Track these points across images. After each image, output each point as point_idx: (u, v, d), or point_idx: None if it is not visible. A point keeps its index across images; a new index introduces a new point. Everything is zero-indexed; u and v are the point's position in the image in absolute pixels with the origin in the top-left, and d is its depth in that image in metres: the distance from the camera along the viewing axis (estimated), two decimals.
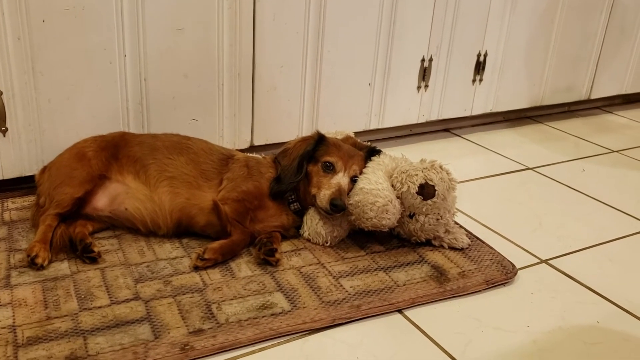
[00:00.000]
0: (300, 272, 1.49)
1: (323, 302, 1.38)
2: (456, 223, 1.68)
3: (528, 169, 2.29)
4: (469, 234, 1.70)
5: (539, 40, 2.62)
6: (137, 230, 1.59)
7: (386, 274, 1.50)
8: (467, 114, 2.57)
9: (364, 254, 1.59)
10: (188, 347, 1.20)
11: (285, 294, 1.39)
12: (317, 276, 1.47)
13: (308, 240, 1.63)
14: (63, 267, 1.44)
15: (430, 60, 2.35)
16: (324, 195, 1.55)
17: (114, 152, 1.61)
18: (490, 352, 1.28)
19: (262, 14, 1.94)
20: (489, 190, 2.10)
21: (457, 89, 2.48)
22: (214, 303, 1.34)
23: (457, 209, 1.67)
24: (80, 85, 1.74)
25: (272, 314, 1.32)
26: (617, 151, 2.55)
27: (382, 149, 1.70)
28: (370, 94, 2.27)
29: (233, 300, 1.36)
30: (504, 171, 2.26)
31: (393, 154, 1.68)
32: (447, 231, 1.62)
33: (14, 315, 1.26)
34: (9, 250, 1.49)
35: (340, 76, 2.17)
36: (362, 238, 1.66)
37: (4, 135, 1.70)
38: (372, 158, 1.64)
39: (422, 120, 2.45)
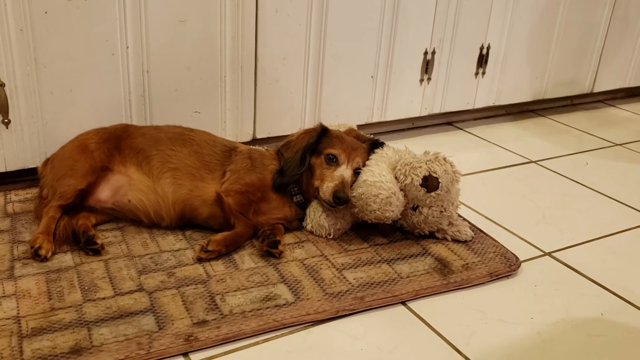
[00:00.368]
0: (304, 264, 1.49)
1: (326, 293, 1.38)
2: (459, 216, 1.68)
3: (531, 162, 2.29)
4: (473, 226, 1.70)
5: (541, 33, 2.61)
6: (140, 222, 1.58)
7: (389, 266, 1.50)
8: (470, 107, 2.56)
9: (367, 246, 1.59)
10: (192, 338, 1.21)
11: (288, 286, 1.39)
12: (321, 268, 1.47)
13: (311, 232, 1.62)
14: (66, 258, 1.44)
15: (433, 53, 2.34)
16: (327, 188, 1.55)
17: (116, 143, 1.61)
18: (494, 344, 1.28)
19: (265, 6, 1.93)
20: (492, 183, 2.09)
21: (460, 82, 2.47)
22: (217, 294, 1.34)
23: (460, 202, 1.67)
24: (82, 77, 1.74)
25: (276, 306, 1.32)
26: (620, 144, 2.55)
27: (385, 142, 1.70)
28: (372, 86, 2.26)
29: (237, 291, 1.36)
30: (507, 164, 2.26)
31: (396, 147, 1.68)
32: (450, 224, 1.62)
33: (18, 307, 1.26)
34: (12, 242, 1.49)
35: (343, 69, 2.17)
36: (365, 230, 1.65)
37: (7, 127, 1.70)
38: (375, 150, 1.64)
39: (424, 113, 2.44)
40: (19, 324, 1.21)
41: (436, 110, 2.47)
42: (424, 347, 1.26)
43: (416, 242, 1.62)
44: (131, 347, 1.17)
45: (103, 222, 1.59)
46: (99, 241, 1.46)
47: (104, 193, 1.57)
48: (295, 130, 1.78)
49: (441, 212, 1.58)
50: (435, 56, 2.35)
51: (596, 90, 2.96)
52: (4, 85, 1.65)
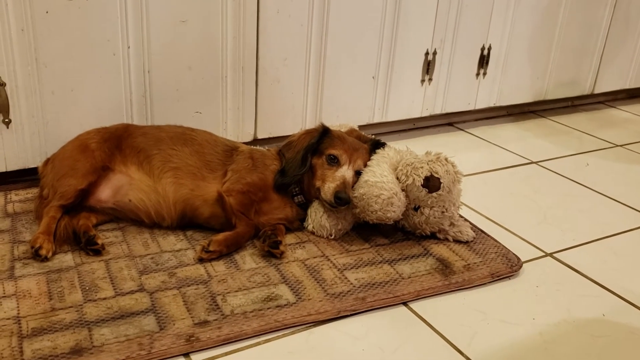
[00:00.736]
0: (305, 265, 1.48)
1: (328, 294, 1.37)
2: (461, 216, 1.68)
3: (532, 162, 2.29)
4: (474, 227, 1.70)
5: (543, 34, 2.61)
6: (141, 221, 1.58)
7: (391, 266, 1.50)
8: (471, 108, 2.56)
9: (368, 246, 1.59)
10: (193, 338, 1.20)
11: (290, 286, 1.39)
12: (322, 268, 1.47)
13: (312, 232, 1.62)
14: (67, 258, 1.43)
15: (434, 53, 2.34)
16: (328, 188, 1.55)
17: (117, 143, 1.60)
18: (495, 345, 1.28)
19: (266, 6, 1.93)
20: (493, 183, 2.09)
21: (461, 83, 2.47)
22: (218, 295, 1.34)
23: (462, 202, 1.67)
24: (83, 76, 1.74)
25: (277, 306, 1.32)
26: (620, 145, 2.54)
27: (386, 142, 1.70)
28: (374, 87, 2.26)
29: (238, 292, 1.36)
30: (508, 165, 2.26)
31: (397, 147, 1.67)
32: (452, 224, 1.62)
33: (18, 307, 1.25)
34: (12, 242, 1.49)
35: (344, 69, 2.16)
36: (367, 231, 1.65)
37: (8, 127, 1.69)
38: (377, 151, 1.64)
39: (425, 114, 2.44)
40: (20, 324, 1.21)
41: (437, 111, 2.47)
42: (425, 348, 1.26)
43: (417, 243, 1.62)
44: (132, 347, 1.16)
45: (104, 222, 1.59)
46: (99, 241, 1.46)
47: (105, 193, 1.56)
48: (296, 131, 1.78)
49: (443, 212, 1.58)
50: (437, 57, 2.35)
51: (597, 91, 2.96)
52: (5, 84, 1.64)
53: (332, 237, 1.60)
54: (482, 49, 2.46)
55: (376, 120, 2.32)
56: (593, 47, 2.81)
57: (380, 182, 1.51)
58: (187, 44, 1.85)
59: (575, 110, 3.00)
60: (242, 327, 1.24)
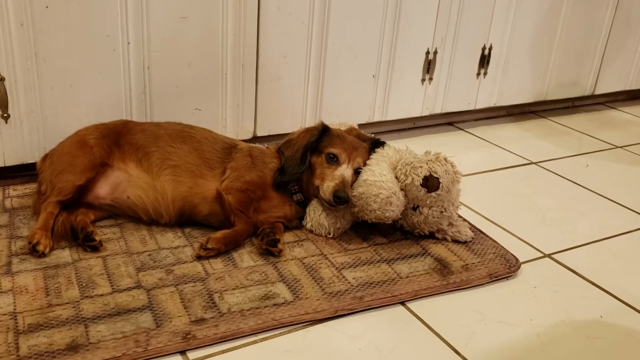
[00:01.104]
0: (303, 263, 1.48)
1: (325, 293, 1.37)
2: (460, 216, 1.68)
3: (532, 163, 2.29)
4: (473, 227, 1.70)
5: (544, 34, 2.61)
6: (139, 218, 1.58)
7: (389, 266, 1.50)
8: (471, 107, 2.55)
9: (366, 245, 1.59)
10: (190, 336, 1.20)
11: (287, 285, 1.39)
12: (320, 267, 1.47)
13: (311, 231, 1.62)
14: (64, 254, 1.43)
15: (435, 53, 2.33)
16: (327, 187, 1.54)
17: (116, 139, 1.60)
18: (493, 345, 1.27)
19: (267, 3, 1.92)
20: (492, 184, 2.09)
21: (462, 83, 2.47)
22: (216, 292, 1.34)
23: (460, 202, 1.66)
24: (83, 72, 1.73)
25: (275, 304, 1.31)
26: (620, 147, 2.54)
27: (386, 141, 1.69)
28: (374, 86, 2.26)
29: (235, 290, 1.35)
30: (508, 165, 2.25)
31: (397, 146, 1.67)
32: (450, 224, 1.62)
33: (15, 302, 1.25)
34: (10, 237, 1.49)
35: (345, 68, 2.16)
36: (365, 230, 1.65)
37: (6, 122, 1.69)
38: (376, 150, 1.63)
39: (425, 113, 2.44)
40: (16, 320, 1.20)
41: (437, 110, 2.46)
42: (423, 348, 1.25)
43: (416, 242, 1.61)
44: (128, 344, 1.16)
45: (102, 218, 1.59)
46: (97, 237, 1.45)
47: (103, 189, 1.56)
48: (296, 129, 1.78)
49: (441, 212, 1.58)
50: (437, 56, 2.35)
51: (597, 92, 2.95)
52: (4, 79, 1.64)
53: (331, 235, 1.60)
54: (483, 49, 2.46)
55: (376, 119, 2.32)
56: (594, 48, 2.81)
57: (379, 181, 1.51)
58: (187, 40, 1.84)
59: (576, 111, 3.00)
60: (239, 325, 1.24)
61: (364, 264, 1.50)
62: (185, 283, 1.36)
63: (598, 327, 1.36)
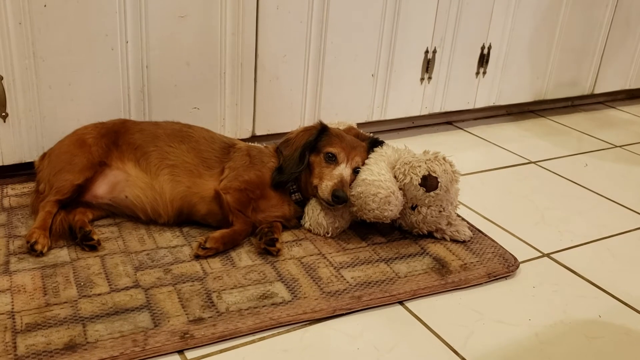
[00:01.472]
0: (301, 263, 1.48)
1: (324, 292, 1.37)
2: (458, 215, 1.68)
3: (530, 162, 2.28)
4: (471, 226, 1.70)
5: (543, 34, 2.60)
6: (138, 218, 1.58)
7: (387, 265, 1.50)
8: (470, 107, 2.55)
9: (365, 245, 1.58)
10: (188, 335, 1.20)
11: (285, 284, 1.39)
12: (318, 267, 1.47)
13: (309, 230, 1.62)
14: (62, 254, 1.43)
15: (434, 52, 2.33)
16: (325, 187, 1.54)
17: (114, 139, 1.60)
18: (491, 345, 1.27)
19: (266, 2, 1.92)
20: (491, 183, 2.09)
21: (461, 82, 2.46)
22: (214, 292, 1.33)
23: (459, 202, 1.66)
24: (81, 71, 1.73)
25: (273, 304, 1.31)
26: (619, 146, 2.54)
27: (384, 140, 1.69)
28: (373, 85, 2.25)
29: (233, 289, 1.35)
30: (507, 164, 2.25)
31: (396, 146, 1.67)
32: (449, 223, 1.62)
33: (12, 302, 1.25)
34: (8, 236, 1.49)
35: (343, 67, 2.16)
36: (364, 229, 1.65)
37: (4, 121, 1.69)
38: (375, 149, 1.63)
39: (424, 112, 2.44)
40: (14, 319, 1.20)
41: (436, 110, 2.46)
42: (421, 347, 1.25)
43: (414, 242, 1.61)
44: (126, 343, 1.16)
45: (100, 217, 1.59)
46: (95, 237, 1.45)
47: (101, 189, 1.56)
48: (294, 128, 1.77)
49: (440, 211, 1.57)
50: (436, 55, 2.34)
51: (597, 91, 2.95)
52: (2, 78, 1.64)
53: (329, 235, 1.60)
54: (482, 48, 2.45)
55: (375, 118, 2.32)
56: (593, 47, 2.81)
57: (378, 180, 1.51)
58: (186, 39, 1.84)
59: (575, 111, 3.00)
60: (237, 325, 1.24)
61: (362, 264, 1.50)
62: (184, 282, 1.36)
63: (596, 327, 1.36)
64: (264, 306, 1.30)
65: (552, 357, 1.26)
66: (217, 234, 1.48)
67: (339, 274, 1.45)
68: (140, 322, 1.22)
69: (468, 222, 1.71)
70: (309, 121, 2.14)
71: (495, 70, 2.53)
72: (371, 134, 1.75)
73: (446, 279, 1.46)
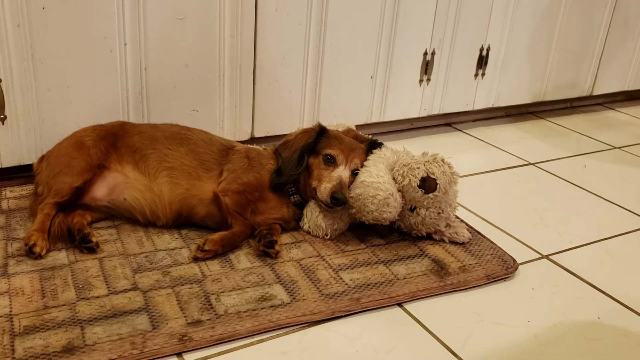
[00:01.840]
0: (300, 265, 1.48)
1: (323, 294, 1.37)
2: (457, 217, 1.67)
3: (529, 164, 2.28)
4: (470, 228, 1.70)
5: (542, 35, 2.61)
6: (136, 220, 1.57)
7: (386, 267, 1.50)
8: (469, 108, 2.55)
9: (364, 247, 1.58)
10: (186, 338, 1.20)
11: (284, 286, 1.38)
12: (317, 269, 1.47)
13: (308, 232, 1.62)
14: (61, 256, 1.43)
15: (433, 53, 2.33)
16: (324, 189, 1.54)
17: (113, 141, 1.60)
18: (490, 347, 1.27)
19: (264, 4, 1.92)
20: (490, 185, 2.09)
21: (459, 83, 2.46)
22: (212, 294, 1.33)
23: (458, 203, 1.66)
24: (80, 73, 1.73)
25: (271, 306, 1.31)
26: (618, 148, 2.54)
27: (383, 142, 1.69)
28: (372, 87, 2.25)
29: (232, 291, 1.35)
30: (506, 166, 2.25)
31: (394, 147, 1.67)
32: (448, 225, 1.62)
33: (11, 304, 1.25)
34: (6, 238, 1.48)
35: (342, 69, 2.16)
36: (363, 231, 1.65)
37: (3, 124, 1.69)
38: (374, 151, 1.63)
39: (423, 114, 2.44)
40: (12, 322, 1.20)
41: (435, 111, 2.46)
42: (420, 349, 1.25)
43: (413, 244, 1.61)
44: (124, 346, 1.16)
45: (98, 220, 1.58)
46: (94, 239, 1.45)
47: (100, 191, 1.56)
48: (293, 130, 1.77)
49: (439, 213, 1.57)
50: (435, 57, 2.35)
51: (595, 93, 2.95)
52: (1, 80, 1.64)
53: (328, 237, 1.60)
54: (481, 50, 2.46)
55: (374, 120, 2.32)
56: (592, 49, 2.81)
57: (377, 182, 1.51)
58: (185, 41, 1.84)
59: (574, 112, 3.00)
60: (235, 327, 1.24)
61: (361, 266, 1.49)
62: (182, 285, 1.36)
63: (595, 329, 1.36)
64: (262, 308, 1.30)
65: (551, 358, 1.26)
66: (216, 236, 1.48)
67: (338, 276, 1.44)
68: (138, 325, 1.22)
69: (467, 224, 1.71)
70: (307, 123, 2.14)
71: (494, 72, 2.54)
72: (370, 136, 1.75)
73: (445, 280, 1.46)
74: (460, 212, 1.77)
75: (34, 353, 1.12)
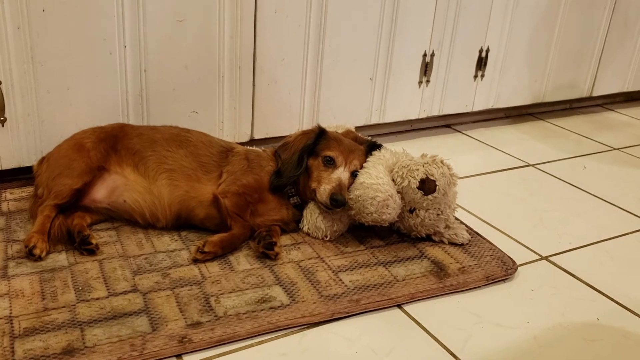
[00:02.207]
0: (300, 266, 1.48)
1: (322, 296, 1.37)
2: (456, 218, 1.68)
3: (529, 165, 2.29)
4: (470, 229, 1.70)
5: (541, 36, 2.61)
6: (136, 222, 1.58)
7: (386, 268, 1.50)
8: (468, 109, 2.56)
9: (363, 248, 1.59)
10: (186, 339, 1.20)
11: (284, 288, 1.39)
12: (317, 270, 1.47)
13: (308, 234, 1.62)
14: (61, 258, 1.43)
15: (432, 55, 2.34)
16: (324, 190, 1.54)
17: (113, 143, 1.60)
18: (490, 348, 1.27)
19: (264, 6, 1.92)
20: (489, 186, 2.09)
21: (459, 85, 2.47)
22: (212, 296, 1.33)
23: (457, 205, 1.66)
24: (79, 75, 1.73)
25: (271, 308, 1.31)
26: (618, 149, 2.54)
27: (382, 144, 1.69)
28: (371, 88, 2.26)
29: (232, 293, 1.35)
30: (505, 167, 2.25)
31: (394, 149, 1.67)
32: (447, 226, 1.62)
33: (11, 306, 1.25)
34: (6, 240, 1.49)
35: (342, 70, 2.16)
36: (362, 232, 1.65)
37: (3, 126, 1.69)
38: (373, 152, 1.63)
39: (423, 115, 2.44)
40: (12, 323, 1.20)
41: (435, 113, 2.46)
42: (419, 351, 1.25)
43: (413, 245, 1.61)
44: (124, 348, 1.16)
45: (98, 221, 1.59)
46: (93, 241, 1.45)
47: (100, 193, 1.56)
48: (293, 131, 1.78)
49: (438, 215, 1.58)
50: (435, 58, 2.35)
51: (595, 94, 2.96)
52: (1, 83, 1.64)
53: (327, 238, 1.60)
54: (480, 51, 2.46)
55: (373, 121, 2.32)
56: (591, 50, 2.81)
57: (376, 184, 1.51)
58: (184, 43, 1.84)
59: (573, 113, 3.00)
60: (235, 329, 1.24)
61: (360, 267, 1.50)
62: (182, 286, 1.36)
63: (595, 330, 1.36)
64: (262, 310, 1.30)
65: (550, 359, 1.26)
66: (216, 238, 1.48)
67: (338, 277, 1.45)
68: (138, 327, 1.22)
69: (466, 225, 1.71)
70: (307, 124, 2.14)
71: (493, 73, 2.54)
72: (369, 137, 1.76)
73: (444, 282, 1.46)
74: (460, 214, 1.77)
75: (34, 355, 1.13)
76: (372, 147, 1.66)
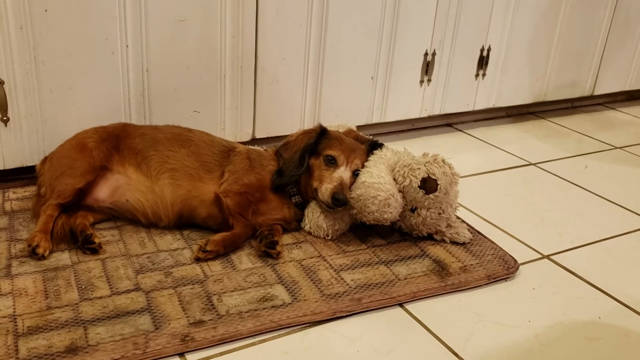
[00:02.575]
0: (301, 265, 1.48)
1: (324, 295, 1.37)
2: (458, 217, 1.68)
3: (530, 164, 2.29)
4: (471, 228, 1.70)
5: (542, 35, 2.61)
6: (138, 221, 1.58)
7: (387, 267, 1.50)
8: (470, 109, 2.56)
9: (365, 247, 1.59)
10: (188, 338, 1.20)
11: (286, 287, 1.39)
12: (318, 269, 1.47)
13: (309, 233, 1.62)
14: (64, 257, 1.44)
15: (434, 54, 2.34)
16: (325, 189, 1.55)
17: (115, 143, 1.61)
18: (491, 347, 1.28)
19: (265, 6, 1.93)
20: (491, 185, 2.09)
21: (460, 84, 2.47)
22: (214, 295, 1.34)
23: (459, 204, 1.67)
24: (82, 75, 1.74)
25: (273, 306, 1.32)
26: (619, 148, 2.54)
27: (384, 143, 1.70)
28: (372, 87, 2.26)
29: (234, 292, 1.36)
30: (506, 166, 2.26)
31: (395, 148, 1.67)
32: (449, 225, 1.62)
33: (14, 305, 1.26)
34: (10, 240, 1.49)
35: (343, 69, 2.16)
36: (364, 231, 1.65)
37: (6, 125, 1.69)
38: (374, 152, 1.64)
39: (424, 114, 2.44)
40: (15, 322, 1.21)
41: (436, 112, 2.47)
42: (420, 350, 1.26)
43: (414, 244, 1.62)
44: (127, 346, 1.17)
45: (101, 221, 1.59)
46: (96, 240, 1.46)
47: (102, 192, 1.56)
48: (294, 131, 1.78)
49: (439, 214, 1.58)
50: (436, 57, 2.35)
51: (596, 93, 2.96)
52: (3, 82, 1.64)
53: (329, 237, 1.60)
54: (482, 50, 2.46)
55: (375, 120, 2.32)
56: (593, 49, 2.81)
57: (378, 183, 1.51)
58: (186, 43, 1.85)
59: (575, 112, 3.00)
60: (237, 327, 1.24)
61: (362, 266, 1.50)
62: (184, 285, 1.36)
63: (596, 328, 1.36)
64: (264, 309, 1.31)
65: (551, 358, 1.26)
66: (218, 237, 1.48)
67: (339, 276, 1.45)
68: (141, 325, 1.22)
69: (468, 224, 1.71)
70: (308, 124, 2.14)
71: (494, 72, 2.54)
72: (371, 137, 1.76)
73: (446, 281, 1.46)
74: (461, 213, 1.78)
75: (38, 353, 1.13)
76: (374, 146, 1.67)
